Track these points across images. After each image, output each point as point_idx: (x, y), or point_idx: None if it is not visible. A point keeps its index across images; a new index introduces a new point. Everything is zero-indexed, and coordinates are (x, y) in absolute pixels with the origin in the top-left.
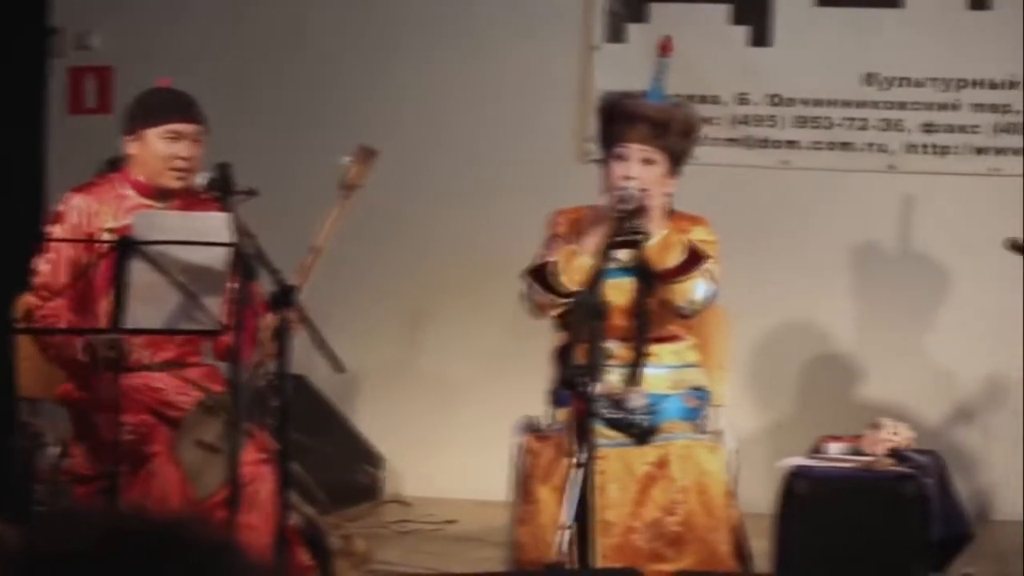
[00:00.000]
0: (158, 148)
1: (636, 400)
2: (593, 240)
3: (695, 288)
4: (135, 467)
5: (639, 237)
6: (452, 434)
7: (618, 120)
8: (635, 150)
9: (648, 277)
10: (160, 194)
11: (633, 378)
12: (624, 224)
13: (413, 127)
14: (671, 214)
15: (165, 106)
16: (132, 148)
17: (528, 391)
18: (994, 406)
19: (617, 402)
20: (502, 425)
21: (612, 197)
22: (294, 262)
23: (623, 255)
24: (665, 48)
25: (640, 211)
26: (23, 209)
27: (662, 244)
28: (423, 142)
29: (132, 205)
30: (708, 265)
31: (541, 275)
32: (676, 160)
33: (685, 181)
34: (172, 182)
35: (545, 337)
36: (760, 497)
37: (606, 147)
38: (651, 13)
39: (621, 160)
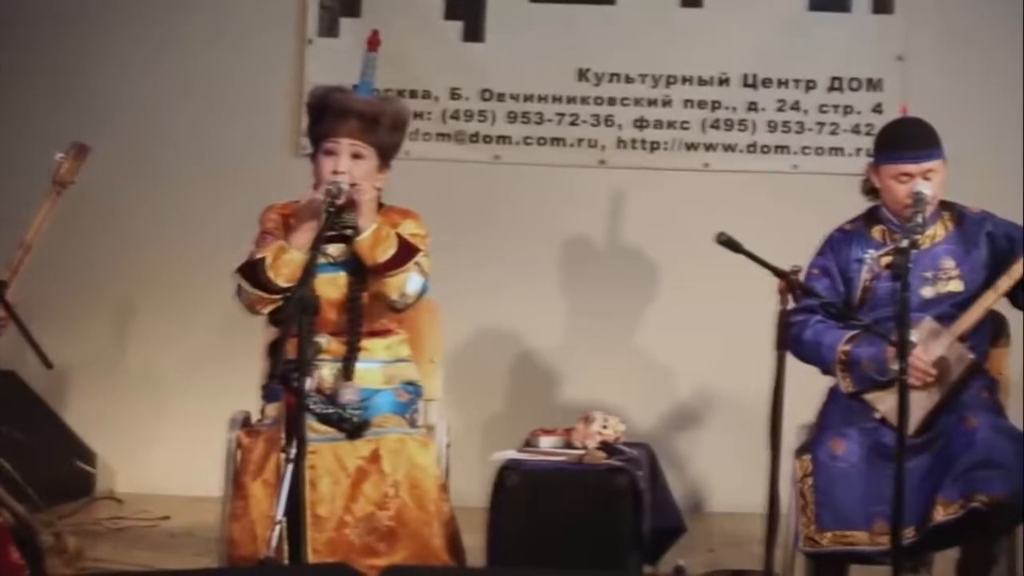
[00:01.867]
0: None
1: (348, 395)
2: (304, 235)
3: (407, 282)
4: None
5: (350, 231)
6: (165, 430)
7: (328, 115)
8: (345, 144)
9: (360, 271)
10: None
11: (345, 373)
12: (335, 218)
13: (129, 121)
14: (381, 208)
15: None
16: None
17: (242, 386)
18: (704, 401)
19: (329, 397)
20: (216, 420)
21: (321, 191)
22: (3, 258)
23: (334, 250)
24: (372, 43)
25: (351, 205)
26: None
27: (374, 238)
28: (139, 136)
29: None
30: (419, 259)
31: (252, 271)
32: (386, 154)
33: (397, 175)
34: None
35: (259, 332)
36: (473, 491)
37: (316, 142)
38: (363, 7)
39: (331, 155)
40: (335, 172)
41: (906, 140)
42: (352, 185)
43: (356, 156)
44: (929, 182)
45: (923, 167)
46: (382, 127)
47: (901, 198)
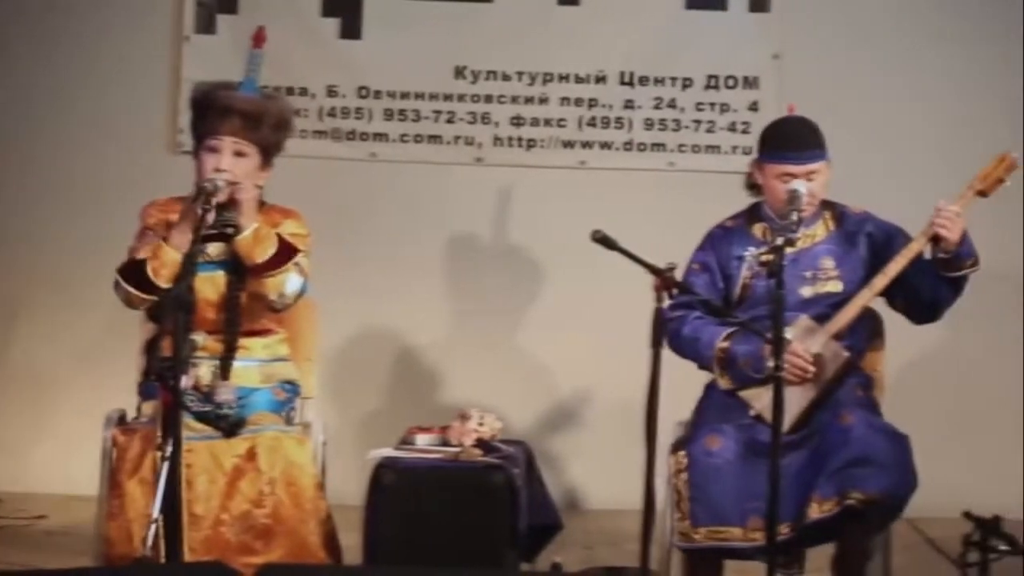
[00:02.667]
0: None
1: (225, 393)
2: (184, 235)
3: (286, 282)
4: None
5: (230, 230)
6: (43, 428)
7: (211, 112)
8: (227, 142)
9: (239, 270)
10: None
11: (223, 371)
12: (215, 217)
13: (4, 120)
14: (262, 207)
15: None
16: None
17: (121, 384)
18: (582, 398)
19: (206, 395)
20: (94, 419)
21: (202, 189)
22: None
23: (213, 248)
24: (258, 39)
25: (231, 204)
26: None
27: (254, 237)
28: (15, 134)
29: None
30: (299, 259)
31: (132, 272)
32: (269, 153)
33: (275, 173)
34: None
35: (138, 330)
36: (350, 489)
37: (199, 139)
38: (241, 4)
39: (213, 152)
40: (217, 170)
41: (791, 140)
42: (233, 183)
43: (238, 154)
44: (812, 182)
45: (806, 168)
46: (265, 125)
47: (780, 195)
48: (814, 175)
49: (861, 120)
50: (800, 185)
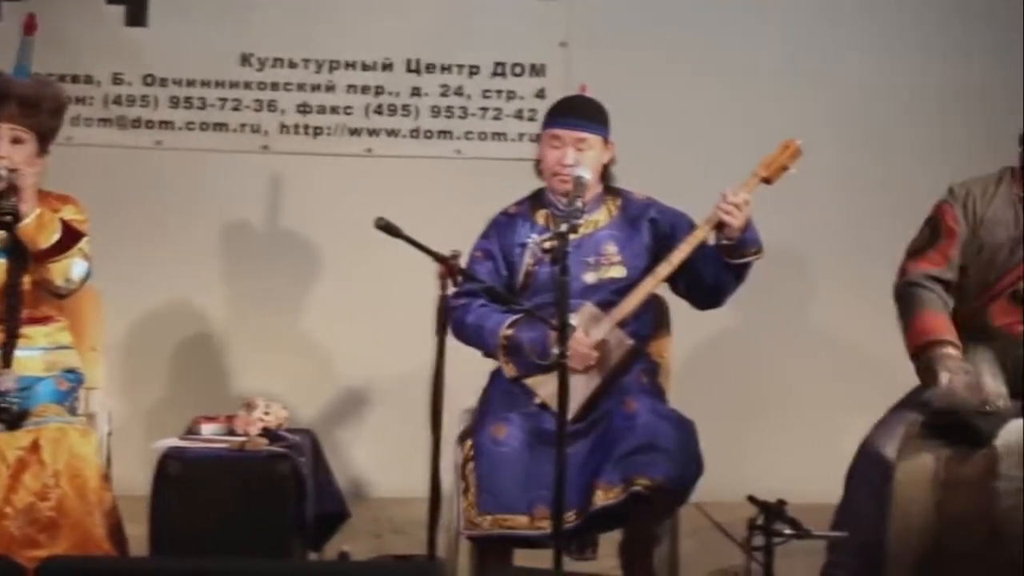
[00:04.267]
0: None
1: (7, 382)
2: None
3: (72, 267)
4: None
5: (9, 218)
6: None
7: None
8: (5, 129)
9: (19, 257)
10: None
11: (4, 360)
12: None
13: None
14: (39, 194)
15: None
16: None
17: None
18: (368, 387)
19: None
20: None
21: None
22: None
23: None
24: (29, 26)
25: (11, 191)
26: None
27: (37, 223)
28: None
29: None
30: (83, 243)
31: None
32: (46, 139)
33: (59, 162)
34: None
35: None
36: (137, 479)
37: None
38: None
39: None
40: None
41: (565, 108)
42: (12, 170)
43: (16, 141)
44: (582, 153)
45: (575, 135)
46: (43, 111)
47: (551, 164)
48: (583, 144)
49: (649, 107)
50: (584, 172)
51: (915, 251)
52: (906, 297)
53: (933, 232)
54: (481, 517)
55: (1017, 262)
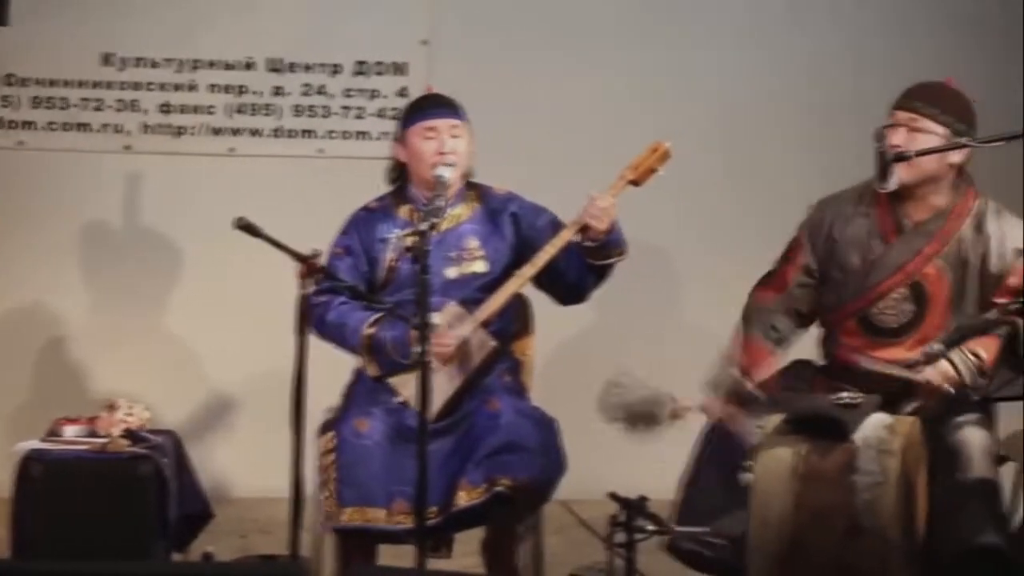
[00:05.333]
0: None
1: None
2: None
3: None
4: None
5: None
6: None
7: None
8: None
9: None
10: None
11: None
12: None
13: None
14: None
15: None
16: None
17: None
18: (231, 386)
19: None
20: None
21: None
22: None
23: None
24: None
25: None
26: None
27: None
28: None
29: None
30: None
31: None
32: None
33: None
34: None
35: None
36: None
37: None
38: None
39: None
40: None
41: (431, 102)
42: None
43: None
44: (457, 140)
45: (449, 122)
46: None
47: (428, 156)
48: (457, 131)
49: (514, 106)
50: (446, 172)
51: (765, 276)
52: (744, 320)
53: (783, 256)
54: (340, 509)
55: (870, 286)
